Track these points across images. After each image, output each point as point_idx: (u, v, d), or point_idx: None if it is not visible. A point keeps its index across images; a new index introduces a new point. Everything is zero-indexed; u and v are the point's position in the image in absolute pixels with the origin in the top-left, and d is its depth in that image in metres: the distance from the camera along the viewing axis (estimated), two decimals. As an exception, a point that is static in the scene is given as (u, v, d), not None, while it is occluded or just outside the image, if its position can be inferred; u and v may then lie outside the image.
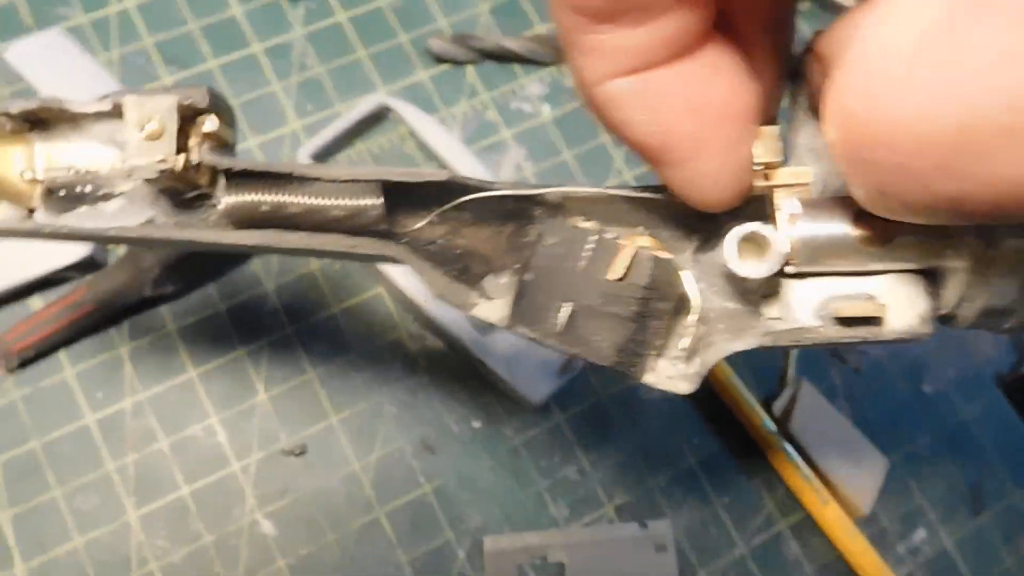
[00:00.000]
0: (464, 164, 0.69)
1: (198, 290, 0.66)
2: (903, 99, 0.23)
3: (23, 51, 0.67)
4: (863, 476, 0.69)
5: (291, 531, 0.63)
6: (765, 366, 0.72)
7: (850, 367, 0.73)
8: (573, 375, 0.66)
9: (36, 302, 0.64)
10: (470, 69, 0.75)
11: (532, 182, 0.72)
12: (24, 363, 0.62)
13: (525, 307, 0.36)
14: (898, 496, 0.71)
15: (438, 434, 0.66)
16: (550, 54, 0.75)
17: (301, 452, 0.64)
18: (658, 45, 0.30)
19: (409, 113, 0.70)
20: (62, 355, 0.64)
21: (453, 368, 0.68)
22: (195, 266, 0.64)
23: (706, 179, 0.33)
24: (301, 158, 0.67)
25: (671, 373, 0.36)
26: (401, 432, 0.66)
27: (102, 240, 0.39)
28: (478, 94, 0.74)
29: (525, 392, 0.65)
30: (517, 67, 0.76)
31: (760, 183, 0.34)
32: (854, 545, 0.67)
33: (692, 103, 0.31)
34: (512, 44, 0.74)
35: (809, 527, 0.69)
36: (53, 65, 0.67)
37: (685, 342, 0.36)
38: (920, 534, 0.71)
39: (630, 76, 0.31)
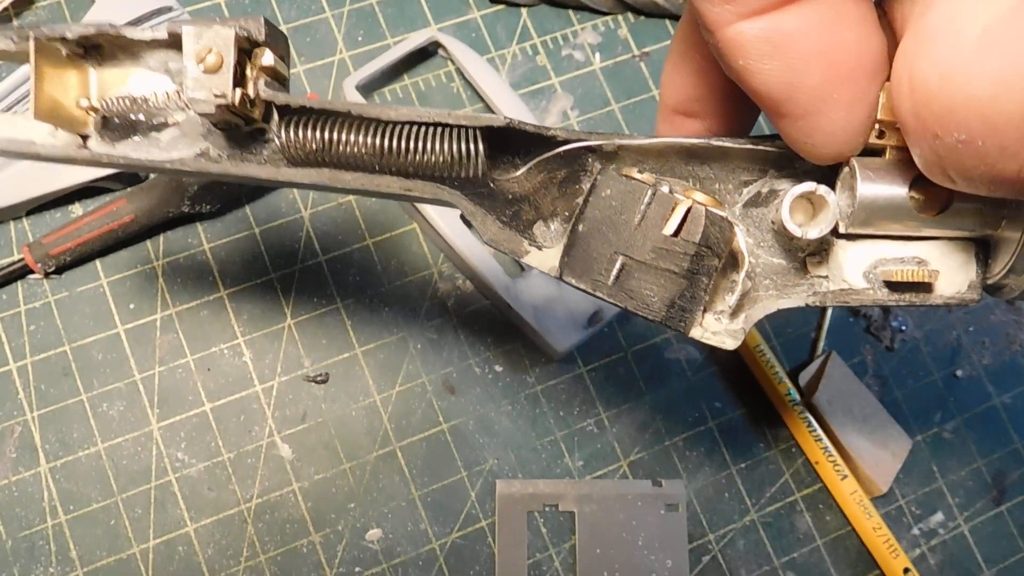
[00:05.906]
0: (510, 107, 0.68)
1: (234, 211, 0.67)
2: (974, 81, 0.24)
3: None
4: (884, 454, 0.69)
5: (307, 456, 0.64)
6: (795, 336, 0.71)
7: (883, 345, 0.72)
8: (600, 328, 0.66)
9: (77, 209, 0.65)
10: (525, 12, 0.74)
11: (579, 130, 0.71)
12: (61, 268, 0.64)
13: (576, 257, 0.35)
14: (919, 478, 0.70)
15: (460, 375, 0.66)
16: (607, 3, 0.74)
17: (323, 380, 0.65)
18: None
19: (459, 51, 0.70)
20: (98, 264, 0.65)
21: (481, 311, 0.68)
22: (232, 187, 0.65)
23: (826, 133, 0.32)
24: (347, 88, 0.67)
25: (716, 329, 0.36)
26: (424, 369, 0.66)
27: (157, 171, 0.39)
28: (530, 38, 0.73)
29: (550, 341, 0.65)
30: (572, 14, 0.74)
31: (874, 140, 0.33)
32: (868, 522, 0.66)
33: (821, 52, 0.30)
34: (569, -11, 0.73)
35: (824, 500, 0.68)
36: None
37: (732, 298, 0.36)
38: (937, 517, 0.70)
39: (756, 18, 0.29)
